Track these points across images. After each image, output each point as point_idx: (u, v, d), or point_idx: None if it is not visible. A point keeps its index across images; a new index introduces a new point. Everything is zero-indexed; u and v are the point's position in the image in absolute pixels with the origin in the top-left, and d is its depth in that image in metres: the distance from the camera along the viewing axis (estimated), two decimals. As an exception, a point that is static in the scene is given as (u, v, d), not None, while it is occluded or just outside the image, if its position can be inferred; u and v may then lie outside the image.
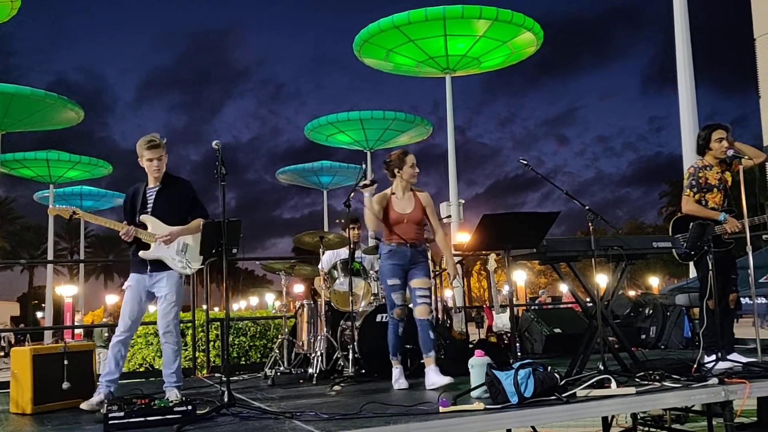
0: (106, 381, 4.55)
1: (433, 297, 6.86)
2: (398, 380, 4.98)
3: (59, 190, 39.60)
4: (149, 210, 4.69)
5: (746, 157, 5.35)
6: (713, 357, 5.08)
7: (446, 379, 4.71)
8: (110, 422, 3.58)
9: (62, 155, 35.26)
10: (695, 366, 4.66)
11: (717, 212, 5.35)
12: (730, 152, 5.34)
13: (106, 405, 3.71)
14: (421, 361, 5.84)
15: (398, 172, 5.13)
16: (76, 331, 14.84)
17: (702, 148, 5.56)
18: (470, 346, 6.13)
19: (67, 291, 22.86)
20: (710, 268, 5.02)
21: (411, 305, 5.17)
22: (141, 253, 4.59)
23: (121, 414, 3.61)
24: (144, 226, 4.65)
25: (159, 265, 4.65)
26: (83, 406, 4.40)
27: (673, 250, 5.22)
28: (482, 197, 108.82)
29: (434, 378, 4.80)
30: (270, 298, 46.67)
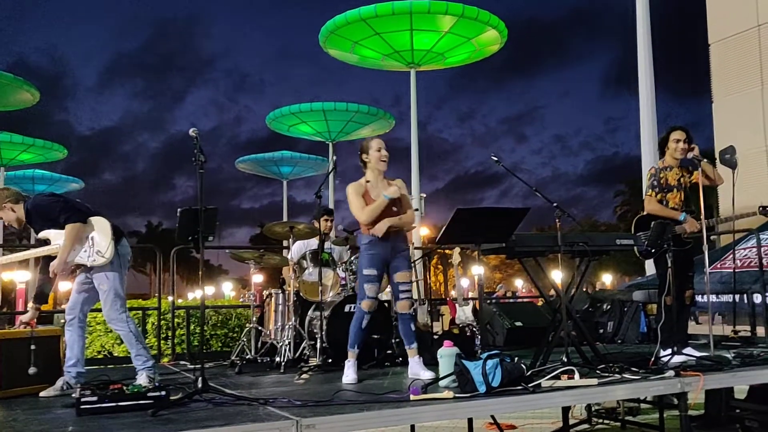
0: (66, 368, 4.59)
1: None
2: (348, 374, 4.85)
3: (11, 173, 38.52)
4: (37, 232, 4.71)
5: (705, 160, 5.59)
6: (669, 351, 5.29)
7: (429, 374, 4.67)
8: (82, 407, 3.59)
9: (15, 137, 34.26)
10: (653, 359, 4.84)
11: (678, 212, 5.58)
12: (690, 155, 5.57)
13: (78, 389, 3.71)
14: (388, 351, 5.98)
15: (366, 158, 5.03)
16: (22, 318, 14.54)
17: (661, 147, 5.80)
18: (435, 337, 6.24)
19: (19, 277, 22.26)
20: (669, 265, 5.22)
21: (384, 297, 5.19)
22: (50, 269, 4.56)
23: (94, 399, 3.61)
24: (46, 242, 4.64)
25: (80, 266, 4.67)
26: (42, 394, 4.40)
27: (635, 248, 5.41)
28: (442, 192, 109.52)
29: (419, 370, 4.80)
30: (227, 287, 46.22)
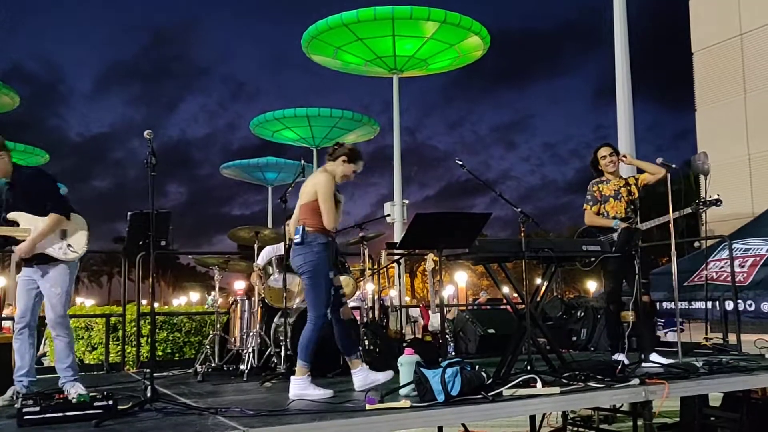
0: (17, 377, 4.43)
1: (377, 296, 6.95)
2: (318, 390, 4.39)
3: (-9, 177, 38.13)
4: (11, 206, 4.51)
5: (633, 159, 6.13)
6: (619, 356, 5.52)
7: (386, 375, 4.48)
8: (25, 417, 3.46)
9: (-5, 141, 33.87)
10: (619, 367, 4.78)
11: (610, 220, 5.82)
12: (611, 168, 5.97)
13: (20, 399, 3.59)
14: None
15: (345, 163, 4.71)
16: (5, 324, 14.38)
17: (593, 165, 6.10)
18: (404, 344, 6.15)
19: (-5, 283, 22.00)
20: (636, 272, 5.22)
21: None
22: (16, 249, 4.41)
23: (37, 409, 3.49)
24: (14, 223, 4.46)
25: (41, 258, 4.49)
26: None
27: (576, 263, 5.45)
28: (433, 199, 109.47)
29: (375, 376, 4.58)
30: (214, 294, 45.92)
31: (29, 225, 4.42)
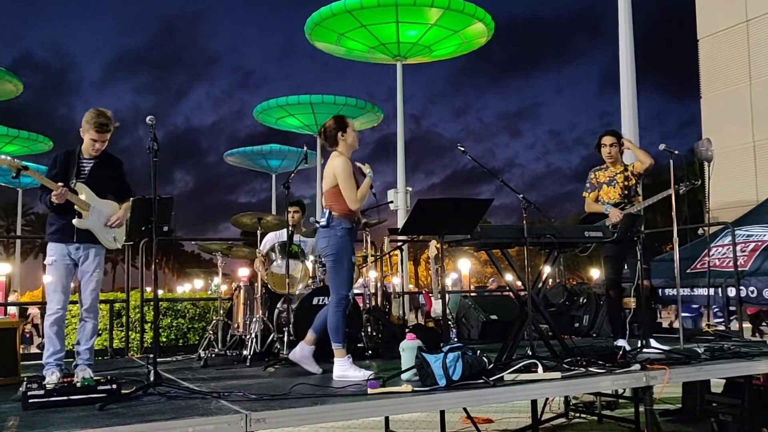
0: (56, 360, 4.39)
1: (380, 283, 6.97)
2: (358, 372, 4.47)
3: (-5, 165, 38.09)
4: (83, 179, 4.50)
5: (631, 145, 6.20)
6: (620, 342, 5.59)
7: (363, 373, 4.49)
8: (30, 400, 3.49)
9: (-1, 129, 33.86)
10: (620, 353, 4.80)
11: (602, 206, 5.98)
12: (624, 150, 6.12)
13: (25, 383, 3.62)
14: (359, 344, 5.91)
15: (342, 135, 4.72)
16: (11, 311, 14.48)
17: (598, 149, 6.17)
18: (407, 330, 6.17)
19: (0, 269, 22.06)
20: (638, 257, 5.23)
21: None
22: (76, 221, 4.39)
23: (42, 392, 3.52)
24: (74, 190, 4.43)
25: (87, 237, 4.47)
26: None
27: (575, 249, 5.48)
28: (438, 187, 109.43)
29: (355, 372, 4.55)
30: (217, 281, 46.02)
31: (89, 201, 4.46)
